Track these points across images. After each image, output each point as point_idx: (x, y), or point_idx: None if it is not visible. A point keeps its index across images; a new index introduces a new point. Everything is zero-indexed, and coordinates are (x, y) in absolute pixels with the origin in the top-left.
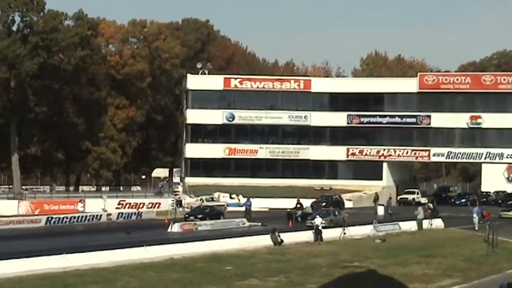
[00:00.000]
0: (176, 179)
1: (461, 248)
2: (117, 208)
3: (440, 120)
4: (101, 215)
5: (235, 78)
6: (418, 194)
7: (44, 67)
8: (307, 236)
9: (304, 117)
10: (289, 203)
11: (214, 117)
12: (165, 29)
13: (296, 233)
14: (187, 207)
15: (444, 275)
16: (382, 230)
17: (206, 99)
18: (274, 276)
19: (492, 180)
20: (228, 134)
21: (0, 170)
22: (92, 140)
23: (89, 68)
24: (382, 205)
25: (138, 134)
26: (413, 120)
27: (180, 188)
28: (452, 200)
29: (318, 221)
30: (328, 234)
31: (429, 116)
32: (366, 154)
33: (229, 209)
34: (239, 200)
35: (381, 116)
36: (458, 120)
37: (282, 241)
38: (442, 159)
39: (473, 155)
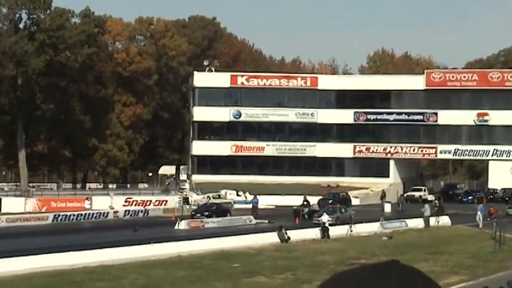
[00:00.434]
0: (183, 177)
1: (468, 245)
2: (124, 205)
3: (447, 117)
4: (108, 213)
5: (242, 76)
6: (425, 191)
7: (50, 65)
8: (314, 233)
9: (311, 114)
10: (296, 201)
11: (221, 114)
12: (171, 27)
13: (303, 230)
14: (194, 205)
15: (451, 272)
16: (389, 227)
17: (213, 97)
18: (281, 274)
19: (499, 178)
20: (234, 131)
21: (7, 167)
22: (99, 138)
23: (96, 65)
24: (389, 202)
25: (144, 131)
26: (420, 117)
27: (187, 186)
28: (459, 197)
29: (325, 218)
30: (335, 231)
31: (436, 113)
32: (373, 151)
33: (236, 206)
34: (246, 197)
35: (387, 113)
36: (465, 117)
37: (288, 238)
38: (449, 156)
39: (480, 152)
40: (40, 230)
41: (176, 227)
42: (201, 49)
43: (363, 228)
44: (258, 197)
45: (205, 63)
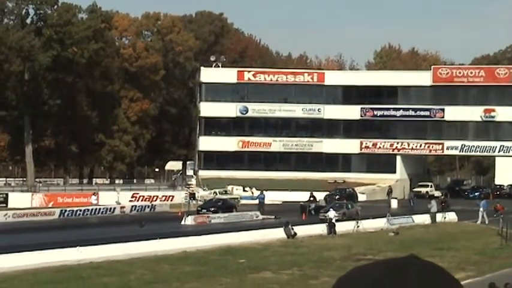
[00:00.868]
0: (190, 172)
1: (475, 241)
2: (130, 201)
3: (454, 113)
4: (114, 208)
5: (249, 71)
6: (431, 187)
7: (57, 60)
8: (321, 229)
9: (318, 110)
10: (303, 196)
11: (228, 110)
12: (178, 22)
13: (309, 226)
14: (200, 200)
15: (458, 268)
16: (396, 223)
17: (220, 92)
18: (288, 269)
19: (506, 174)
20: (241, 127)
21: (14, 162)
22: (106, 133)
23: (103, 61)
24: (396, 198)
25: (151, 126)
26: (427, 113)
27: (193, 181)
28: (466, 193)
29: (332, 214)
30: (342, 227)
31: (443, 109)
32: (380, 147)
33: (243, 202)
34: (252, 193)
35: (394, 109)
36: (472, 113)
37: (295, 234)
38: (456, 152)
39: (487, 148)
40: (47, 225)
41: (183, 223)
42: (207, 44)
43: (370, 224)
44: (264, 192)
45: (212, 58)
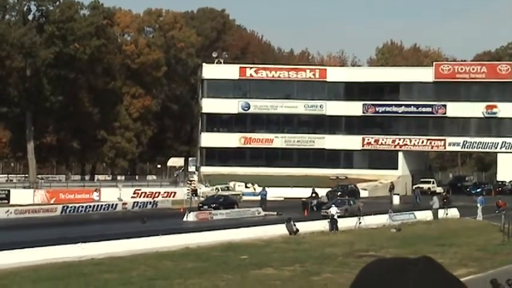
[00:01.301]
0: (191, 168)
1: (477, 237)
2: (132, 197)
3: (456, 109)
4: (116, 204)
5: (251, 68)
6: (433, 183)
7: (59, 56)
8: (323, 225)
9: (320, 106)
10: (305, 193)
11: (230, 106)
12: (180, 18)
13: (311, 222)
14: (202, 197)
15: (460, 264)
16: (398, 219)
17: (221, 89)
18: (290, 266)
19: (508, 170)
20: (243, 123)
21: (16, 159)
22: (108, 129)
23: (105, 57)
24: (398, 194)
25: (153, 123)
26: (429, 109)
27: (195, 177)
28: (468, 189)
29: (334, 210)
30: (344, 223)
31: (445, 106)
32: (382, 143)
33: (245, 198)
34: (254, 189)
35: (396, 106)
36: (474, 109)
37: (297, 230)
38: (458, 148)
39: (489, 144)
40: (48, 221)
41: (185, 219)
42: (209, 41)
43: (372, 221)
44: (266, 189)
45: (214, 55)
